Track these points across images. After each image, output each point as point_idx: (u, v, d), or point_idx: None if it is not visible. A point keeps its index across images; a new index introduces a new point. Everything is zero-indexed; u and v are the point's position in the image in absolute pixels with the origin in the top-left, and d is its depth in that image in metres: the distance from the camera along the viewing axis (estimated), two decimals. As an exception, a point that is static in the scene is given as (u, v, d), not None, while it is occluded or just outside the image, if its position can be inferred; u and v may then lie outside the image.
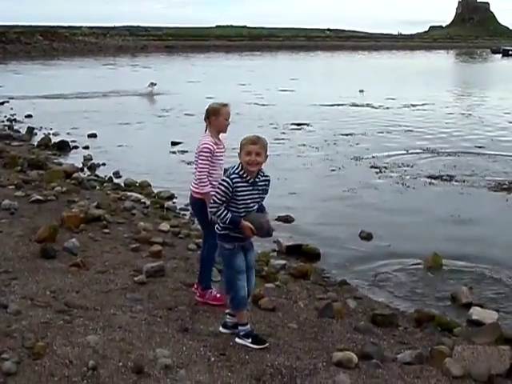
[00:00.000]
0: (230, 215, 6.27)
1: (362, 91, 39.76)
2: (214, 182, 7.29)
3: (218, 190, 6.29)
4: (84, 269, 8.50)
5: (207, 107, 7.56)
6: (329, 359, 6.30)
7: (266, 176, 6.43)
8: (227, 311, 6.83)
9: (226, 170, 6.64)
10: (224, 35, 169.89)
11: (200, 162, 7.35)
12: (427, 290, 9.16)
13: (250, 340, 6.48)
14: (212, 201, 6.35)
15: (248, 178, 6.26)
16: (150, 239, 10.04)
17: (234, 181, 6.22)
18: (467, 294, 8.70)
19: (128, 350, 6.16)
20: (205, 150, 7.33)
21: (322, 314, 7.52)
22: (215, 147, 7.37)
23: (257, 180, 6.32)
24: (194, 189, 7.49)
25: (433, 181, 16.07)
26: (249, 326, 6.60)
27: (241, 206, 6.29)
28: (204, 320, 7.08)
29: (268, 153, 6.34)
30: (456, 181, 16.04)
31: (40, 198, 12.12)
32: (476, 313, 8.09)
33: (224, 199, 6.25)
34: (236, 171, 6.26)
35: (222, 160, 7.47)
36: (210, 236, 7.40)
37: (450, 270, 9.93)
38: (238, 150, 6.27)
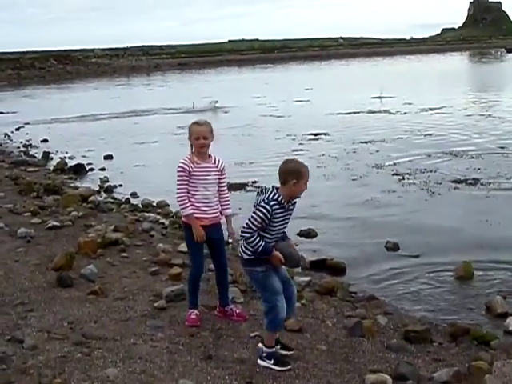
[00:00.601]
0: (262, 243, 6.07)
1: (380, 97, 39.23)
2: (196, 204, 7.06)
3: (255, 216, 6.02)
4: (102, 296, 8.23)
5: None
6: (362, 382, 5.99)
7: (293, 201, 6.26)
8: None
9: (260, 191, 6.26)
10: (236, 49, 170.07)
11: (177, 183, 7.09)
12: (460, 301, 8.73)
13: (272, 361, 6.25)
14: (246, 226, 6.05)
15: (284, 202, 6.08)
16: (170, 261, 9.75)
17: (273, 208, 6.02)
18: (502, 304, 8.29)
19: (150, 383, 5.87)
20: (178, 169, 7.05)
21: (351, 333, 7.18)
22: (192, 166, 7.03)
23: (289, 204, 6.16)
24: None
25: (457, 185, 15.66)
26: (275, 349, 6.34)
27: (274, 232, 6.15)
28: (228, 345, 6.76)
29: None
30: (482, 184, 15.60)
31: (56, 223, 11.90)
32: (513, 323, 7.68)
33: (260, 226, 6.04)
34: (275, 197, 6.04)
35: (205, 180, 7.08)
36: (191, 261, 7.50)
37: (482, 279, 9.48)
38: (289, 178, 6.03)
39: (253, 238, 6.03)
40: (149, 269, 9.46)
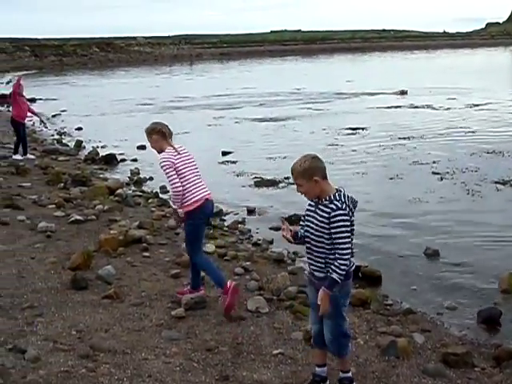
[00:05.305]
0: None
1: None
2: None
3: None
4: (117, 301, 7.70)
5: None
6: (394, 415, 5.33)
7: (333, 204, 5.22)
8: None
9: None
10: (278, 40, 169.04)
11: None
12: (505, 318, 7.96)
13: None
14: None
15: (312, 200, 5.45)
16: (193, 263, 9.14)
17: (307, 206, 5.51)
18: (552, 324, 7.56)
19: (157, 407, 5.28)
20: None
21: (385, 353, 6.52)
22: None
23: (318, 202, 5.33)
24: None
25: (501, 186, 14.85)
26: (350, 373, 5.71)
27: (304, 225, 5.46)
28: (248, 364, 6.15)
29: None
30: (526, 186, 14.78)
31: (79, 218, 11.44)
32: None
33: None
34: None
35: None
36: None
37: (530, 293, 8.71)
38: None
39: None
40: (170, 271, 8.92)
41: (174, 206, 7.60)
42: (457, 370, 6.36)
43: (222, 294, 7.63)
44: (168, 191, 15.16)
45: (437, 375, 6.15)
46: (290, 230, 5.44)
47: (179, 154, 7.47)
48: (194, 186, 7.44)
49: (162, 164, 7.37)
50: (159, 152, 7.56)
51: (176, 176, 7.34)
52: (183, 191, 7.37)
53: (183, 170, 7.41)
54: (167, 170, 7.35)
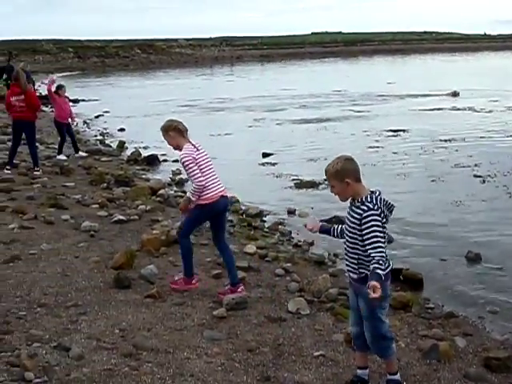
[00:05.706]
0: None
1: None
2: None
3: None
4: (160, 300, 7.79)
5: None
6: (436, 418, 5.31)
7: (364, 206, 5.24)
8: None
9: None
10: (319, 42, 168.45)
11: None
12: (549, 323, 7.91)
13: None
14: None
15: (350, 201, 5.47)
16: (234, 264, 9.20)
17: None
18: None
19: (199, 407, 5.34)
20: None
21: (426, 357, 6.50)
22: None
23: (352, 203, 5.37)
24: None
25: (544, 191, 14.65)
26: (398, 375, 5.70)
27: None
28: (289, 365, 6.18)
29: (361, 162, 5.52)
30: None
31: (122, 217, 11.57)
32: None
33: None
34: None
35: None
36: None
37: None
38: None
39: None
40: (212, 271, 8.99)
41: (192, 199, 7.77)
42: (498, 374, 6.32)
43: (182, 278, 8.22)
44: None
45: (478, 379, 6.12)
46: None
47: (198, 150, 7.79)
48: (211, 182, 7.77)
49: (185, 159, 7.65)
50: (175, 149, 7.91)
51: (198, 170, 7.65)
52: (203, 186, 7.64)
53: (203, 166, 7.72)
54: (190, 165, 7.64)
